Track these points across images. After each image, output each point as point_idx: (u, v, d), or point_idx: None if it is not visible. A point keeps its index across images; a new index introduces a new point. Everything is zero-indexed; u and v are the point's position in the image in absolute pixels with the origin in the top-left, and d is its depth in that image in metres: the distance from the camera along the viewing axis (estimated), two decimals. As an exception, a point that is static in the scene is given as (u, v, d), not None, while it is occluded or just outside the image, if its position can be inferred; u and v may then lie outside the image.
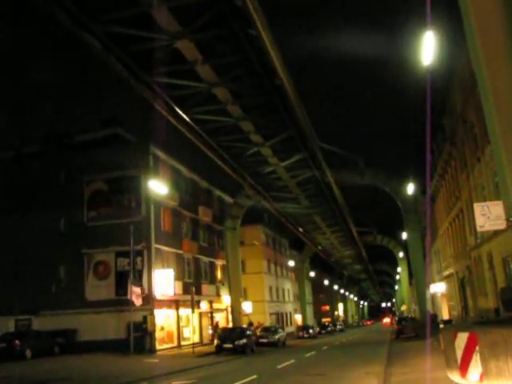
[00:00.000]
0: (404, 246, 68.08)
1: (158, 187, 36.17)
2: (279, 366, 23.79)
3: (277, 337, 44.89)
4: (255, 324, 51.76)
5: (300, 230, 55.72)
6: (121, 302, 35.23)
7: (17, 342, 30.74)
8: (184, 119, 24.67)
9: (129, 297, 33.28)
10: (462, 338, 7.55)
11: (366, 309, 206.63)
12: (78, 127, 42.58)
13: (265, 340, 42.99)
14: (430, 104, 18.85)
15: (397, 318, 57.09)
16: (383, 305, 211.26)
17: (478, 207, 15.76)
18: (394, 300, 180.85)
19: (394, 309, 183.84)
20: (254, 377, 19.23)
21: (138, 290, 34.14)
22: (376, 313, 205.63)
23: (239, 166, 31.67)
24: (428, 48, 15.45)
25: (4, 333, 32.25)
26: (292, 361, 26.79)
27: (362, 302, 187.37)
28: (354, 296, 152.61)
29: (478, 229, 15.78)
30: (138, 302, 33.79)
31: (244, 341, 35.23)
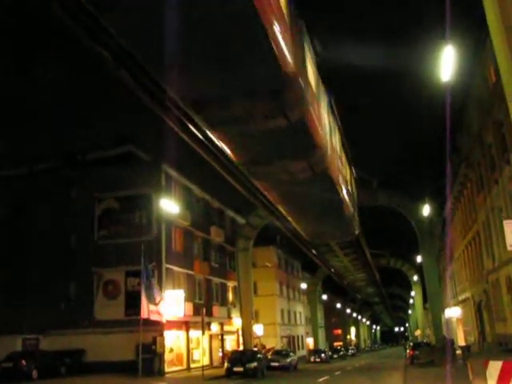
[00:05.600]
0: (418, 269, 67.10)
1: (169, 206, 35.76)
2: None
3: (288, 360, 43.95)
4: (266, 347, 50.84)
5: (313, 251, 54.86)
6: (130, 323, 34.56)
7: (23, 361, 30.25)
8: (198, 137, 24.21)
9: (142, 315, 32.51)
10: (495, 367, 6.94)
11: (378, 333, 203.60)
12: (90, 144, 42.02)
13: (276, 363, 42.04)
14: (450, 122, 18.31)
15: (411, 343, 55.71)
16: (396, 329, 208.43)
17: (508, 225, 15.02)
18: (407, 325, 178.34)
19: (406, 334, 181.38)
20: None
21: (154, 307, 33.46)
22: (389, 337, 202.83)
23: (252, 184, 31.09)
24: (447, 63, 14.97)
25: (11, 352, 31.73)
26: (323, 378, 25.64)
27: (374, 327, 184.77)
28: (367, 320, 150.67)
29: (509, 248, 14.97)
30: (159, 317, 33.27)
31: (255, 364, 34.39)
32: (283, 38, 14.40)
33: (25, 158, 41.61)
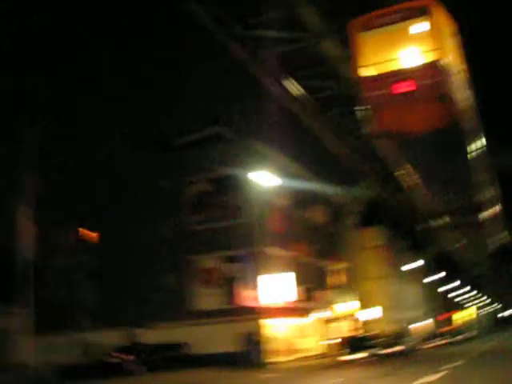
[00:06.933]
0: None
1: (264, 183, 32.92)
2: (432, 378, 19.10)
3: (407, 344, 40.34)
4: (382, 331, 47.37)
5: (426, 225, 50.40)
6: (230, 312, 32.23)
7: (129, 356, 29.44)
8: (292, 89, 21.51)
9: (243, 302, 30.09)
10: None
11: (496, 316, 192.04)
12: (178, 128, 39.96)
13: (395, 348, 38.45)
14: None
15: None
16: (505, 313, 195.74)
17: None
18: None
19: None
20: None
21: (255, 293, 31.04)
22: (505, 321, 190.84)
23: (356, 146, 27.90)
24: None
25: (114, 347, 30.52)
26: (438, 374, 21.73)
27: (487, 309, 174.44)
28: (480, 301, 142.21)
29: None
30: (260, 304, 30.89)
31: (372, 350, 31.23)
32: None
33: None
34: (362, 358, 30.83)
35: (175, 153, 38.12)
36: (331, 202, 48.67)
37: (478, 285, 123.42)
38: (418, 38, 12.00)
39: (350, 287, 46.83)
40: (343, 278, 47.61)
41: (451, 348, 52.31)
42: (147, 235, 36.15)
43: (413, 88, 11.61)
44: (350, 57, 13.34)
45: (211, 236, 34.82)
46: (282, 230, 38.33)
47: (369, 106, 12.45)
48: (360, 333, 43.29)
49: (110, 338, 32.10)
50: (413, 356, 39.01)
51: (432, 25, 11.77)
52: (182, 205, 36.36)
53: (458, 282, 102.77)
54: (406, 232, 63.77)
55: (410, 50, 12.13)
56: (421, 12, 11.97)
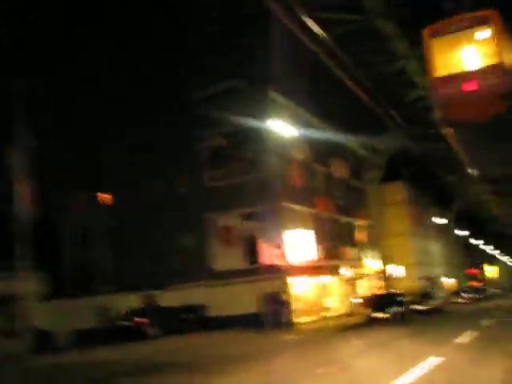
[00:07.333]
0: None
1: (282, 135, 31.03)
2: (459, 340, 17.59)
3: (434, 303, 38.66)
4: (409, 288, 45.93)
5: (450, 178, 48.10)
6: (252, 271, 30.76)
7: (145, 320, 28.05)
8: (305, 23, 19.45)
9: (264, 261, 28.56)
10: None
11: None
12: (191, 84, 37.87)
13: (420, 307, 36.79)
14: None
15: None
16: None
17: None
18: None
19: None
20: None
21: (277, 251, 29.46)
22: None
23: (378, 89, 25.74)
24: None
25: (130, 310, 29.28)
26: (474, 333, 20.12)
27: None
28: (506, 255, 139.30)
29: None
30: (283, 262, 29.42)
31: (398, 308, 29.65)
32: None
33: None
34: (387, 317, 29.25)
35: (191, 108, 36.17)
36: (354, 156, 46.59)
37: (503, 244, 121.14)
38: (482, 43, 14.27)
39: (374, 245, 45.01)
40: (367, 235, 45.78)
41: (479, 304, 50.63)
42: (163, 194, 34.68)
43: (478, 87, 13.86)
44: (426, 60, 15.72)
45: (229, 192, 33.16)
46: (302, 184, 36.57)
47: (442, 101, 14.69)
48: (385, 291, 41.65)
49: (126, 301, 30.98)
50: (440, 314, 37.46)
51: (493, 32, 13.98)
52: (199, 161, 34.62)
53: (482, 241, 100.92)
54: (431, 186, 61.67)
55: (475, 53, 14.39)
56: (484, 21, 14.24)
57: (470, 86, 13.96)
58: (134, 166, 36.05)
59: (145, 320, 27.96)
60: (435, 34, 14.80)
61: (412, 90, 27.31)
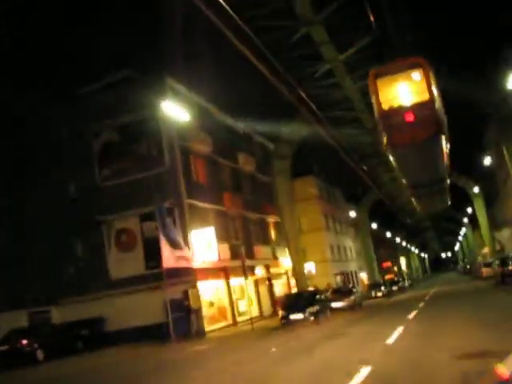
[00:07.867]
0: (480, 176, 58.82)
1: (184, 125, 28.15)
2: (389, 341, 15.13)
3: (352, 298, 36.83)
4: (326, 286, 44.17)
5: (362, 167, 46.68)
6: (154, 277, 27.50)
7: (24, 341, 23.79)
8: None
9: (167, 265, 25.45)
10: None
11: (427, 261, 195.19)
12: (79, 75, 34.19)
13: (339, 304, 34.86)
14: None
15: (496, 261, 46.14)
16: (443, 255, 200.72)
17: None
18: (456, 249, 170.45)
19: (456, 259, 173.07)
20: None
21: (180, 253, 26.40)
22: (436, 265, 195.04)
23: (280, 62, 23.48)
24: None
25: (8, 331, 24.95)
26: (400, 327, 18.00)
27: (422, 255, 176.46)
28: (415, 248, 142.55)
29: None
30: (188, 264, 26.85)
31: (317, 307, 27.46)
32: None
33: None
34: (305, 318, 26.96)
35: (75, 101, 32.43)
36: (261, 147, 44.17)
37: (413, 235, 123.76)
38: (416, 82, 17.87)
39: (284, 242, 42.81)
40: (280, 233, 43.55)
41: (396, 297, 49.64)
42: (51, 197, 30.85)
43: (416, 118, 17.59)
44: (371, 96, 18.89)
45: (125, 192, 29.82)
46: (207, 180, 33.78)
47: (388, 129, 18.29)
48: (299, 290, 39.51)
49: (10, 320, 26.90)
50: (360, 310, 35.74)
51: (423, 74, 17.61)
52: (88, 159, 31.04)
53: (396, 234, 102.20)
54: (339, 182, 60.76)
55: (411, 90, 18.07)
56: (416, 65, 17.78)
57: (410, 117, 17.45)
58: (22, 168, 32.21)
59: (31, 341, 24.17)
60: (378, 76, 18.05)
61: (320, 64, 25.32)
